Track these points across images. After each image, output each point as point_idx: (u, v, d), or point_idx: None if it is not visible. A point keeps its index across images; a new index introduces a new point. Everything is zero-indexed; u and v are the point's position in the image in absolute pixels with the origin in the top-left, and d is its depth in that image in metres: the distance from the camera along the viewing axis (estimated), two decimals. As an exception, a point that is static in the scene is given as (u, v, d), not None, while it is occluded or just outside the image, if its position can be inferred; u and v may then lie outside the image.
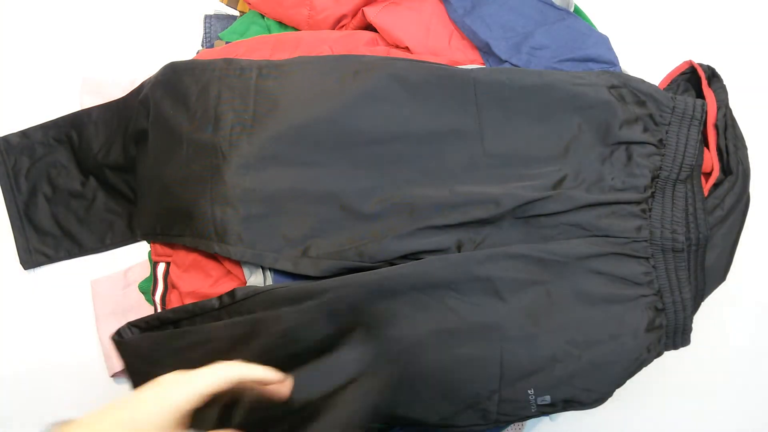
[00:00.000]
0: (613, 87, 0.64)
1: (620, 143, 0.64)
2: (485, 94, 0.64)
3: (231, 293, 0.62)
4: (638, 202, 0.63)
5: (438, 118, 0.65)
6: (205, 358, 0.45)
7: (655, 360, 0.65)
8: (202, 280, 0.66)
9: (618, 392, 0.64)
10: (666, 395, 0.85)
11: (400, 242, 0.62)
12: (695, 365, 0.85)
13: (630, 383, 0.65)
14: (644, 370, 0.64)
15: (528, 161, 0.64)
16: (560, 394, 0.61)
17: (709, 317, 0.81)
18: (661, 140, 0.64)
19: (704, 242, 0.64)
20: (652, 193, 0.64)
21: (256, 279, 0.65)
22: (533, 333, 0.61)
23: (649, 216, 0.63)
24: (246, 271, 0.65)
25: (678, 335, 0.64)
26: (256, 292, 0.62)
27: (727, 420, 0.85)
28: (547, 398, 0.61)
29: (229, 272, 0.66)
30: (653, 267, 0.63)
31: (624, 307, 0.62)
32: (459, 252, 0.63)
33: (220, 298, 0.63)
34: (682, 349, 0.65)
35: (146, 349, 0.61)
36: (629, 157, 0.63)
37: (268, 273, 0.65)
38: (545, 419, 0.83)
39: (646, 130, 0.64)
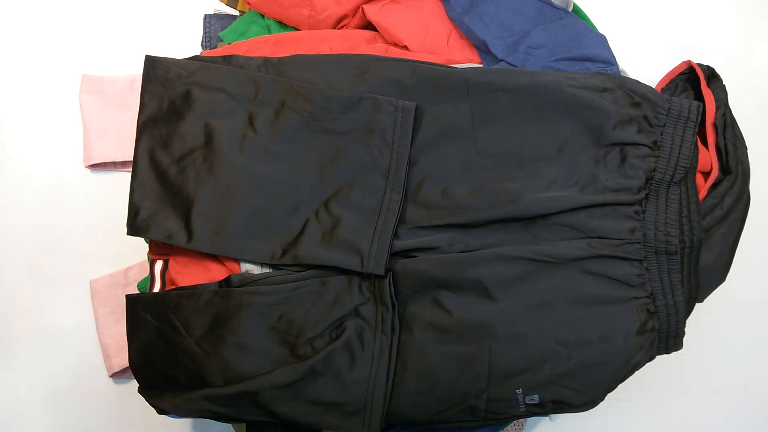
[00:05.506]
0: (606, 89, 0.64)
1: (614, 144, 0.63)
2: (478, 94, 0.64)
3: (226, 280, 0.64)
4: (632, 204, 0.63)
5: (431, 118, 0.65)
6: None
7: (656, 361, 0.64)
8: (201, 276, 0.67)
9: (618, 393, 0.64)
10: (667, 396, 0.85)
11: (393, 240, 0.63)
12: (696, 366, 0.84)
13: (630, 384, 0.65)
14: (645, 371, 0.64)
15: (521, 161, 0.64)
16: (549, 394, 0.61)
17: (710, 318, 0.81)
18: (655, 142, 0.63)
19: (698, 245, 0.64)
20: (646, 194, 0.63)
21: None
22: (522, 332, 0.61)
23: (643, 218, 0.63)
24: (243, 267, 0.66)
25: (670, 339, 0.64)
26: (252, 279, 0.63)
27: (728, 421, 0.85)
28: (536, 398, 0.61)
29: (227, 268, 0.67)
30: (646, 269, 0.63)
31: (615, 309, 0.62)
32: (450, 249, 0.63)
33: (217, 283, 0.64)
34: (682, 350, 0.65)
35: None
36: (623, 159, 0.63)
37: (266, 268, 0.66)
38: (545, 419, 0.83)
39: (640, 131, 0.63)
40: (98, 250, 0.87)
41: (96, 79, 0.90)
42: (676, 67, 0.75)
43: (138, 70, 0.70)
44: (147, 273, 0.80)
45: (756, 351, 0.85)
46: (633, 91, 0.64)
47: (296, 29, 0.79)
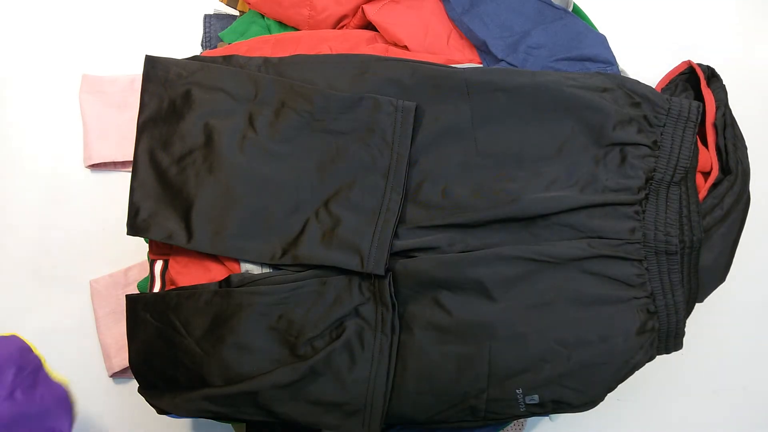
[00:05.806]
0: (606, 89, 0.64)
1: (614, 144, 0.63)
2: (478, 94, 0.64)
3: (226, 280, 0.64)
4: (632, 204, 0.63)
5: (431, 118, 0.65)
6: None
7: (656, 361, 0.64)
8: (201, 276, 0.67)
9: (618, 393, 0.64)
10: (667, 396, 0.85)
11: (393, 240, 0.63)
12: (696, 366, 0.84)
13: (630, 384, 0.65)
14: (645, 371, 0.64)
15: (521, 161, 0.64)
16: (549, 394, 0.61)
17: (710, 318, 0.81)
18: (655, 142, 0.63)
19: (698, 245, 0.64)
20: (646, 194, 0.63)
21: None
22: (522, 332, 0.61)
23: (643, 218, 0.63)
24: (243, 267, 0.66)
25: (670, 339, 0.64)
26: (252, 279, 0.63)
27: (728, 421, 0.85)
28: (536, 398, 0.61)
29: (227, 268, 0.67)
30: (646, 269, 0.63)
31: (615, 309, 0.62)
32: (450, 249, 0.63)
33: (217, 283, 0.64)
34: (682, 350, 0.65)
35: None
36: (623, 159, 0.63)
37: (266, 268, 0.66)
38: (545, 419, 0.83)
39: (640, 131, 0.63)
40: (98, 250, 0.87)
41: (96, 79, 0.90)
42: (676, 67, 0.75)
43: (138, 70, 0.70)
44: (147, 273, 0.80)
45: (756, 351, 0.85)
46: (633, 91, 0.64)
47: (296, 29, 0.79)
